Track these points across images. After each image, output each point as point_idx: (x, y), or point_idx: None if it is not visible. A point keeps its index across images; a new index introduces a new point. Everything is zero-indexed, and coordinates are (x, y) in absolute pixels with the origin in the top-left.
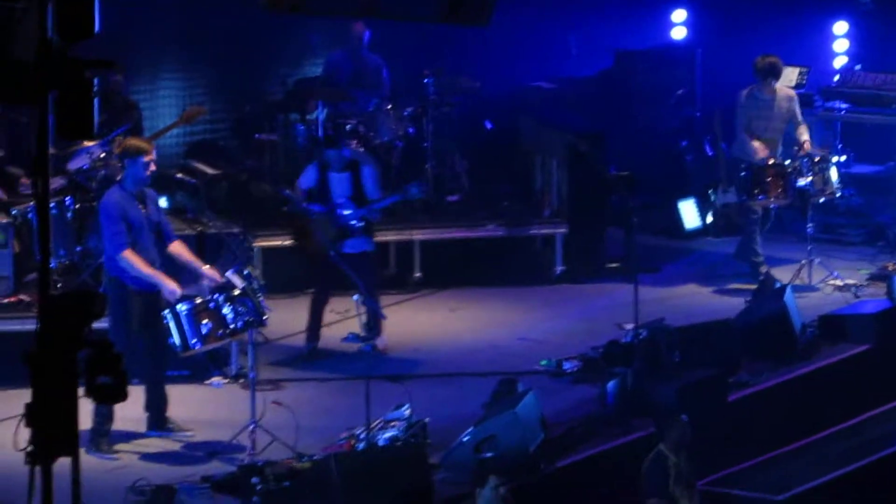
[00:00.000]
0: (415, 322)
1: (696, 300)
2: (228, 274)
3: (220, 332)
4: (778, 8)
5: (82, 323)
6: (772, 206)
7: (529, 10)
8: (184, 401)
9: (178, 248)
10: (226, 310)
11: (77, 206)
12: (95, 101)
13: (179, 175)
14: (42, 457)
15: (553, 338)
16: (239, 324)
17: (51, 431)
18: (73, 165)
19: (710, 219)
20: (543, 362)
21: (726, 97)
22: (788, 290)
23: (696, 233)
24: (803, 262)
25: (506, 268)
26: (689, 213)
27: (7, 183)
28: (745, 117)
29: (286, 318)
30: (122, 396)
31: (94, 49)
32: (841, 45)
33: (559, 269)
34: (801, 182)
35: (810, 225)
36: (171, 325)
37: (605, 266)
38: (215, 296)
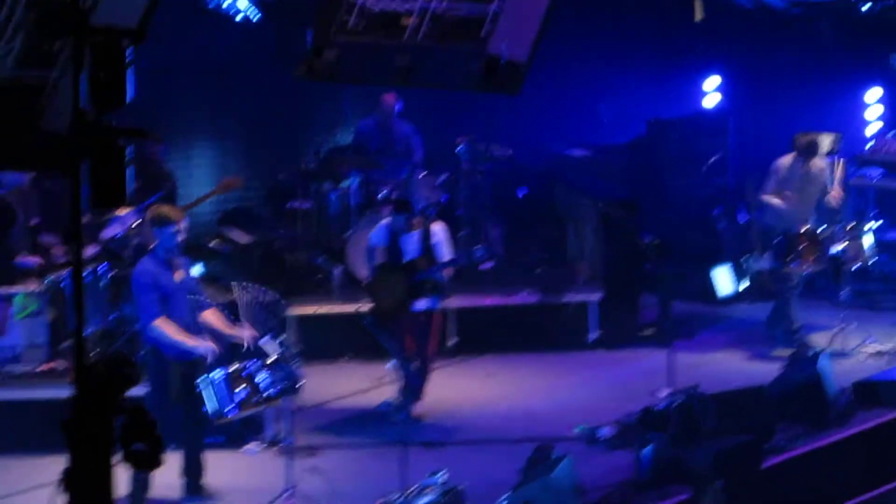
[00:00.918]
0: (450, 388)
1: (731, 366)
2: (263, 341)
3: (255, 398)
4: (810, 75)
5: (118, 390)
6: (805, 272)
7: (561, 78)
8: (219, 468)
9: (210, 317)
10: (260, 377)
11: (111, 273)
12: (129, 169)
13: (213, 243)
14: None
15: (588, 404)
16: (274, 391)
17: (87, 498)
18: (106, 233)
19: (743, 285)
20: (578, 428)
21: (759, 164)
22: (823, 356)
23: (729, 299)
24: (838, 327)
25: (540, 334)
26: (723, 280)
27: (42, 251)
28: (777, 184)
29: (320, 384)
30: (158, 463)
31: (128, 118)
32: (874, 112)
33: (593, 335)
34: (835, 249)
35: (845, 291)
36: (206, 392)
37: (640, 332)
38: (250, 363)
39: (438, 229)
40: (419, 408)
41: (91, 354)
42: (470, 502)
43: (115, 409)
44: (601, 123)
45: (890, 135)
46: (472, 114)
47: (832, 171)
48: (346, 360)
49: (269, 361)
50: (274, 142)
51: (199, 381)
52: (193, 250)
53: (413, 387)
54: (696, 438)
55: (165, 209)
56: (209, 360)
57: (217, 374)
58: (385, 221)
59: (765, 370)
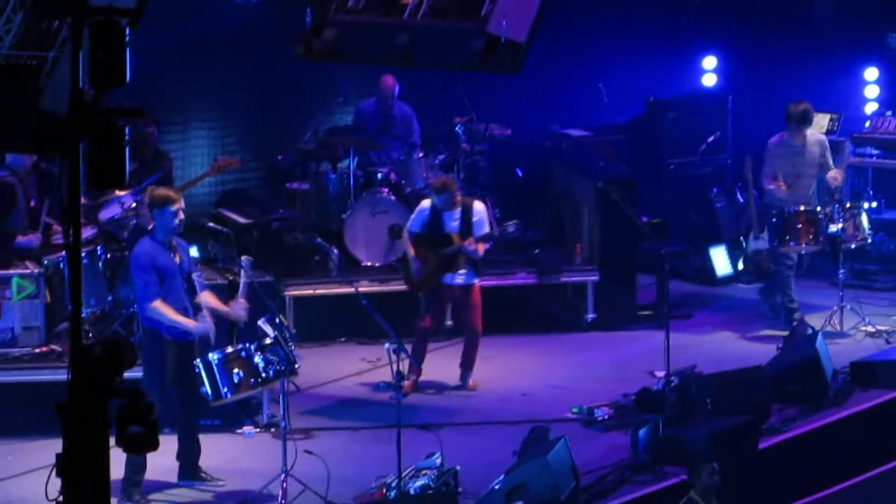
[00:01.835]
0: (446, 370)
1: (728, 347)
2: (260, 323)
3: (252, 381)
4: (808, 54)
5: (114, 373)
6: (802, 251)
7: (560, 58)
8: (215, 450)
9: (207, 298)
10: (257, 359)
11: (108, 255)
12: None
13: (211, 224)
14: None
15: (584, 385)
16: (270, 373)
17: (82, 481)
18: (104, 215)
19: (741, 265)
20: (575, 410)
21: (757, 143)
22: (820, 336)
23: (727, 279)
24: (835, 308)
25: (537, 315)
26: (721, 260)
27: (42, 232)
28: (774, 165)
29: (317, 366)
30: (153, 446)
31: (125, 99)
32: (871, 91)
33: (590, 316)
34: (833, 228)
35: (842, 271)
36: (203, 374)
37: (637, 313)
38: (246, 345)
39: (480, 208)
40: (471, 380)
41: (87, 337)
42: (465, 484)
43: (111, 391)
44: (600, 103)
45: (888, 113)
46: (470, 93)
47: (834, 151)
48: (343, 341)
49: (265, 343)
50: (272, 122)
51: (195, 363)
52: (190, 231)
53: (468, 359)
54: (692, 419)
55: (163, 190)
56: (211, 340)
57: (214, 356)
58: (422, 207)
59: (762, 350)
